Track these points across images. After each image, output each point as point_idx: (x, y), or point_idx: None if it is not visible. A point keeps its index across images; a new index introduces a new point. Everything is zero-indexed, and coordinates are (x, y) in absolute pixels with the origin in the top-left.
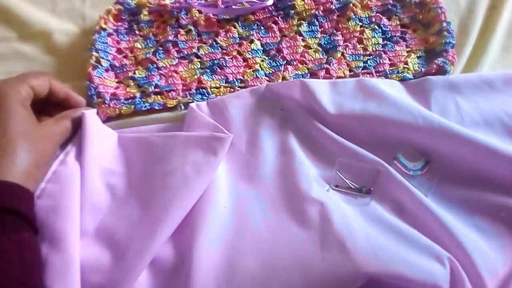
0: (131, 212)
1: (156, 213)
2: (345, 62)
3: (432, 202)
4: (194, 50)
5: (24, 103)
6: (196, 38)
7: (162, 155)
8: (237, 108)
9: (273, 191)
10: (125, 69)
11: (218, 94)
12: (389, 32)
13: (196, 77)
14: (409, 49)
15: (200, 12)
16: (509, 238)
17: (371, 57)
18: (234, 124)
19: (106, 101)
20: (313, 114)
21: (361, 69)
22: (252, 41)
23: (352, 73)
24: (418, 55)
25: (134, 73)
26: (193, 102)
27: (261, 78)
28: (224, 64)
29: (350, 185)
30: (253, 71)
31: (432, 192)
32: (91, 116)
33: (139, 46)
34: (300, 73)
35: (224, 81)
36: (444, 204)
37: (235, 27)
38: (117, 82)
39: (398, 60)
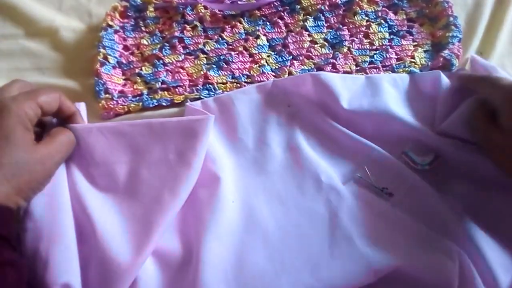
0: (121, 206)
1: (150, 205)
2: (352, 57)
3: (441, 197)
4: (200, 46)
5: (26, 124)
6: (202, 34)
7: (142, 145)
8: (244, 104)
9: (280, 186)
10: (132, 66)
11: (224, 89)
12: (396, 26)
13: (202, 72)
14: (416, 43)
15: (205, 8)
16: None
17: (377, 51)
18: (241, 120)
19: (114, 98)
20: (323, 109)
21: (367, 63)
22: (258, 37)
23: (358, 67)
24: (425, 49)
25: (141, 69)
26: (200, 97)
27: (267, 73)
28: (230, 60)
29: (374, 184)
30: (259, 66)
31: (441, 187)
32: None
33: (145, 42)
34: (306, 68)
35: (230, 76)
36: (454, 199)
37: (240, 23)
38: (124, 79)
39: (405, 54)
